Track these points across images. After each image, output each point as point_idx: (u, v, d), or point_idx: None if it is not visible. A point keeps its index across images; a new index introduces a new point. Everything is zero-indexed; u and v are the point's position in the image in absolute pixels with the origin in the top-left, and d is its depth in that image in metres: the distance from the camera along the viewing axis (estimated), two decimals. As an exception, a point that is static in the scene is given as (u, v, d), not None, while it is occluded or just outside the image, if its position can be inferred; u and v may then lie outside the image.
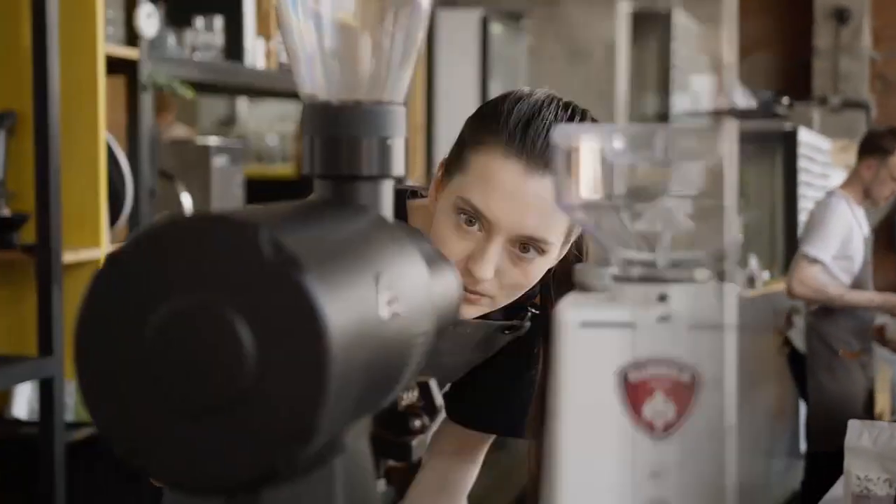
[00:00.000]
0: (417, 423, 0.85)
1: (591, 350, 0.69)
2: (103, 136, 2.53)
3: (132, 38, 2.68)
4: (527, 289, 1.29)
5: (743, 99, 5.88)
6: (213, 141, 3.22)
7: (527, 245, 1.24)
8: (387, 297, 0.70)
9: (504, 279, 1.26)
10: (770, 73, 7.00)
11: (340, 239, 0.70)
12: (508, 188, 1.22)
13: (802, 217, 7.35)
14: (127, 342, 0.63)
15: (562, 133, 0.71)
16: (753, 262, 6.62)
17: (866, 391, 4.25)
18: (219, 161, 3.06)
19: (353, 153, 0.80)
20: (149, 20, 2.66)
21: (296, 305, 0.60)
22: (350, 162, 0.80)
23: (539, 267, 1.27)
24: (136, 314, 0.63)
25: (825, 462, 4.21)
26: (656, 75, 7.38)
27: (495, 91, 5.78)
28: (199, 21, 3.02)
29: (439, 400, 0.87)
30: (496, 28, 5.45)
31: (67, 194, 2.48)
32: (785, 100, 6.71)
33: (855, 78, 9.58)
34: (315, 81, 0.83)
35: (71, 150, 2.49)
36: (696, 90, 8.24)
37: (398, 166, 0.82)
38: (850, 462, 1.90)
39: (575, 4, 5.74)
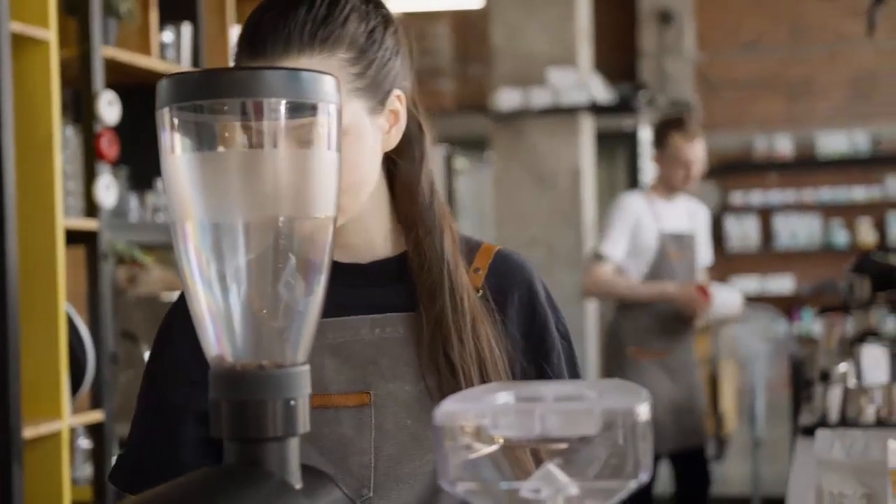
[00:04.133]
0: None
1: None
2: (63, 307, 2.56)
3: (92, 208, 2.73)
4: (358, 175, 1.18)
5: (602, 92, 5.82)
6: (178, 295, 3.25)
7: None
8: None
9: None
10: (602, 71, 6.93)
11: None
12: None
13: None
14: None
15: (443, 412, 0.74)
16: None
17: (675, 393, 4.03)
18: (184, 316, 3.08)
19: (258, 416, 0.83)
20: (108, 191, 2.72)
21: None
22: (256, 425, 0.83)
23: (348, 149, 1.14)
24: None
25: None
26: (625, 189, 7.51)
27: (463, 223, 5.88)
28: (160, 183, 3.08)
29: None
30: (460, 162, 5.54)
31: (27, 368, 2.50)
32: (643, 94, 6.68)
33: (679, 79, 9.83)
34: (221, 345, 0.86)
35: (30, 323, 2.52)
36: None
37: (303, 423, 0.85)
38: (822, 476, 1.74)
39: (539, 132, 5.85)
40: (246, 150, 0.85)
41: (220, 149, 0.84)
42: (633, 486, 0.74)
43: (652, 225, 4.03)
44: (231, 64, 1.21)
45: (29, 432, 2.46)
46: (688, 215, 4.17)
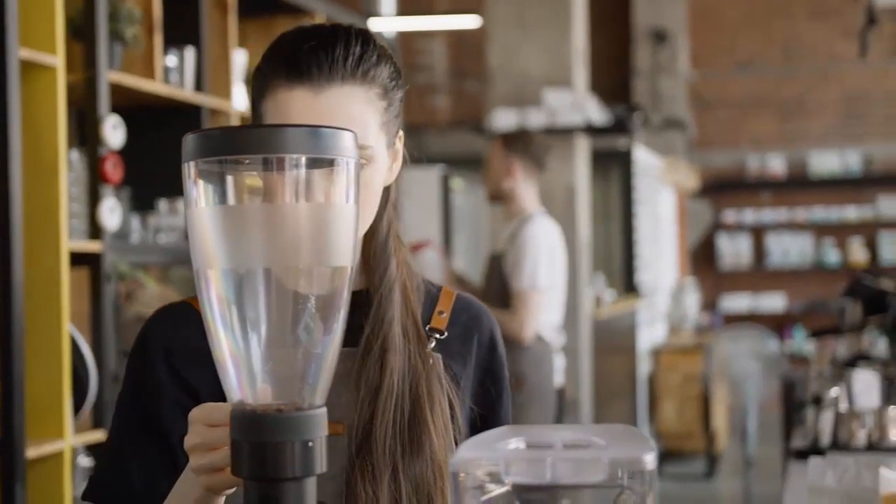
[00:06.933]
0: None
1: None
2: (66, 328, 2.59)
3: (95, 230, 2.76)
4: (375, 205, 1.26)
5: (597, 113, 5.82)
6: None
7: None
8: None
9: None
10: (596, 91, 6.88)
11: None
12: (298, 115, 1.19)
13: (639, 234, 7.40)
14: None
15: (460, 461, 0.78)
16: (600, 281, 6.45)
17: None
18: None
19: (277, 457, 0.87)
20: (111, 214, 2.75)
21: None
22: (275, 466, 0.87)
23: (371, 178, 1.23)
24: None
25: None
26: (619, 208, 7.55)
27: (459, 242, 5.93)
28: (163, 204, 3.12)
29: None
30: (457, 183, 5.58)
31: (31, 387, 2.52)
32: (638, 115, 6.62)
33: (673, 97, 9.94)
34: (242, 390, 0.90)
35: (35, 344, 2.55)
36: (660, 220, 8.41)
37: (320, 464, 0.89)
38: (812, 503, 1.78)
39: (535, 151, 5.87)
40: (267, 203, 0.89)
41: (243, 201, 0.88)
42: (637, 530, 0.78)
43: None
44: (248, 83, 1.25)
45: (32, 452, 2.49)
46: (509, 237, 3.95)
